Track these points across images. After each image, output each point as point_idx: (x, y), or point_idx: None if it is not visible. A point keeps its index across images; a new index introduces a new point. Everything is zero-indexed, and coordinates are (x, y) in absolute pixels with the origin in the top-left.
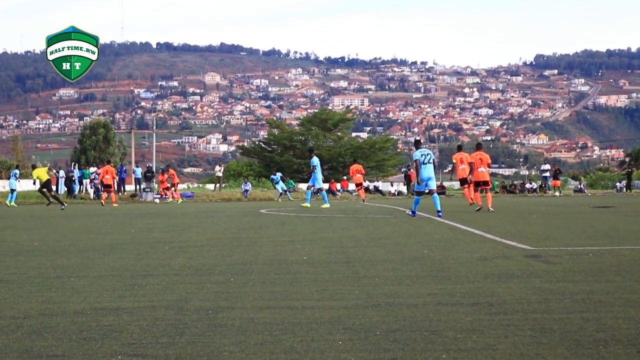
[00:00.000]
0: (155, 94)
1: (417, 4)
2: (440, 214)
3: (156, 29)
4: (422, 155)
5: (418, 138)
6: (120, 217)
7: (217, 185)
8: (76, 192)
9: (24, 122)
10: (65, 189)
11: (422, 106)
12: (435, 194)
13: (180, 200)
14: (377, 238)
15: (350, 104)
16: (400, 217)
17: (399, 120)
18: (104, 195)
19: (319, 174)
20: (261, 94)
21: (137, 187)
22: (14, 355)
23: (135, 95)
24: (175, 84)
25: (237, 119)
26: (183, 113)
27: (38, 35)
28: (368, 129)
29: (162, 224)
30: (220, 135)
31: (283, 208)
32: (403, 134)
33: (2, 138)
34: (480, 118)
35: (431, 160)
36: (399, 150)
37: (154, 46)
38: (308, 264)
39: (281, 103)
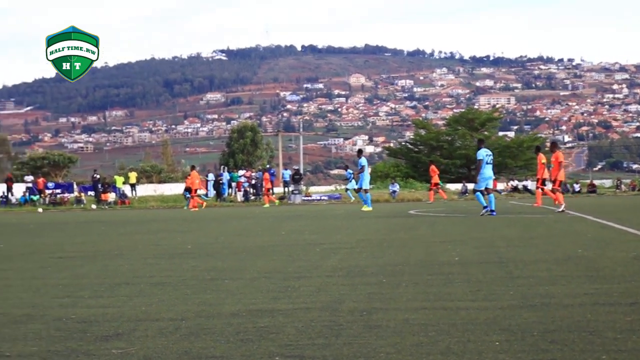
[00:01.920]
0: (301, 96)
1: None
2: (494, 212)
3: (301, 32)
4: (486, 155)
5: (482, 137)
6: (269, 219)
7: None
8: (225, 194)
9: (173, 126)
10: (215, 191)
11: (570, 104)
12: (492, 194)
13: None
14: (529, 238)
15: (497, 103)
16: (552, 216)
17: (547, 119)
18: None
19: (366, 175)
20: (406, 95)
21: (286, 189)
22: (173, 356)
23: (281, 98)
24: (321, 86)
25: (383, 120)
26: (329, 115)
27: (185, 40)
28: (515, 127)
29: (312, 226)
30: (366, 137)
31: (432, 209)
32: (551, 132)
33: (152, 143)
34: (630, 115)
35: (492, 161)
36: (547, 148)
37: (299, 49)
38: (460, 265)
39: (426, 103)
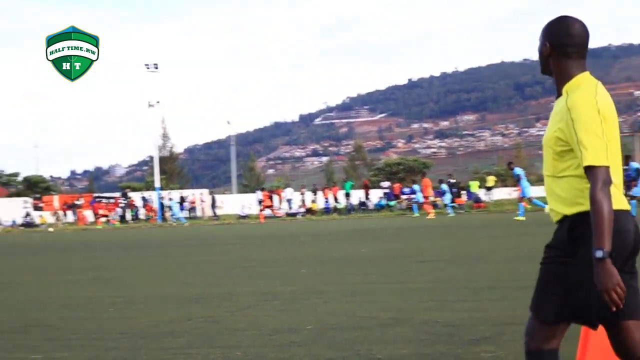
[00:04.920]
0: None
1: None
2: None
3: None
4: None
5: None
6: None
7: None
8: None
9: (525, 129)
10: None
11: None
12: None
13: None
14: None
15: None
16: None
17: None
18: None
19: (525, 183)
20: None
21: None
22: None
23: (635, 98)
24: None
25: None
26: None
27: (536, 42)
28: None
29: None
30: None
31: None
32: None
33: (504, 146)
34: None
35: None
36: None
37: None
38: None
39: None
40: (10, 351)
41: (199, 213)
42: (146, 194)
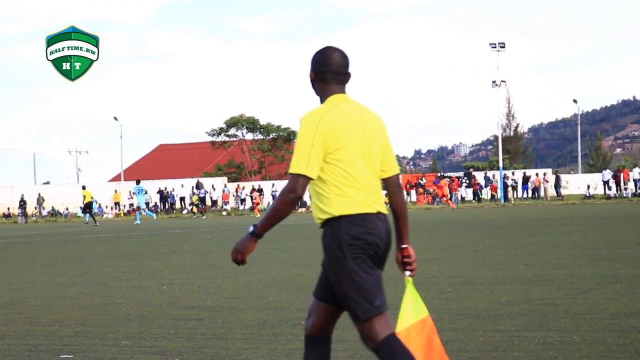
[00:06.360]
0: None
1: None
2: None
3: None
4: None
5: None
6: None
7: None
8: None
9: None
10: None
11: None
12: None
13: None
14: None
15: None
16: None
17: None
18: None
19: None
20: None
21: None
22: None
23: None
24: None
25: None
26: None
27: None
28: None
29: None
30: None
31: None
32: None
33: None
34: None
35: None
36: None
37: None
38: None
39: None
40: (348, 328)
41: (542, 193)
42: (490, 173)
